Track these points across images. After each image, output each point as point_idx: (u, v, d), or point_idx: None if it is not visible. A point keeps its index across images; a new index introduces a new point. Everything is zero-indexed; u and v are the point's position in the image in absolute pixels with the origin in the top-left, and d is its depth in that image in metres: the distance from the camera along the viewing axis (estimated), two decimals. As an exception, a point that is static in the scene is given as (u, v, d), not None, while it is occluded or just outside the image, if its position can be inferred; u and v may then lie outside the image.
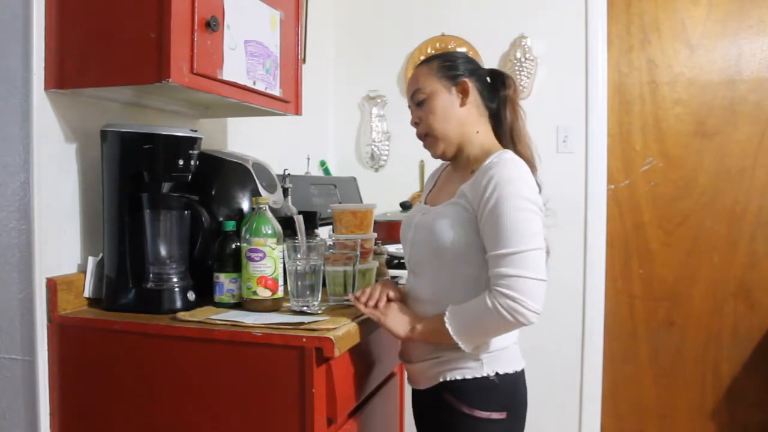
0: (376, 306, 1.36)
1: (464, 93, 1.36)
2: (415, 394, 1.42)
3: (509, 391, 1.31)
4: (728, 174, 2.62)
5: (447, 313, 1.25)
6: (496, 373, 1.29)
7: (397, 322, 1.33)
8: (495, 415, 1.28)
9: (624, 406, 2.76)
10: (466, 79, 1.37)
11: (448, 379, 1.30)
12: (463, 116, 1.37)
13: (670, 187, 2.68)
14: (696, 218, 2.66)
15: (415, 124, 1.41)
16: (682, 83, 2.66)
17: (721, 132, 2.62)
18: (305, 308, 1.38)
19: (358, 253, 1.52)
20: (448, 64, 1.38)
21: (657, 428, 2.73)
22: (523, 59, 2.70)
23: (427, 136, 1.39)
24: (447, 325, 1.24)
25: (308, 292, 1.39)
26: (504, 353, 1.31)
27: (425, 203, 1.45)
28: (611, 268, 2.73)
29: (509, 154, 1.31)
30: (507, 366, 1.31)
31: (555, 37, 2.71)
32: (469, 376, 1.29)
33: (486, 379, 1.29)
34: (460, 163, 1.41)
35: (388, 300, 1.38)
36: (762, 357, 2.60)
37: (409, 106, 1.43)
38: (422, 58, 2.80)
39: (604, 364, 2.70)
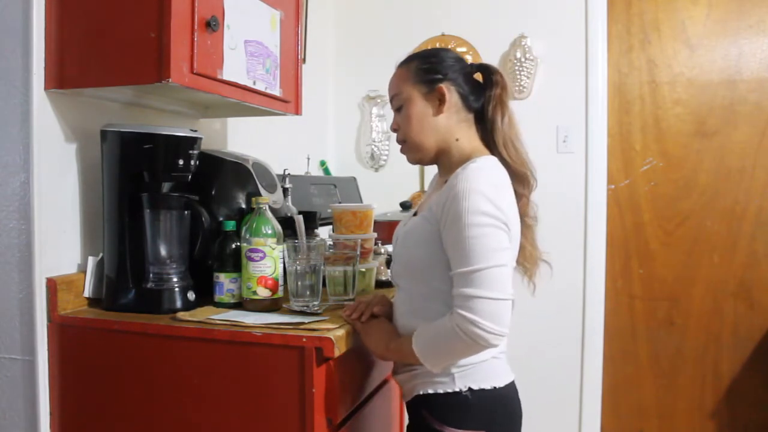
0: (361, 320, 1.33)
1: (441, 100, 1.28)
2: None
3: (486, 409, 1.22)
4: (728, 174, 2.62)
5: (415, 333, 1.20)
6: (470, 389, 1.21)
7: (374, 339, 1.30)
8: None
9: (624, 406, 2.76)
10: (443, 85, 1.28)
11: (421, 392, 1.25)
12: (440, 124, 1.28)
13: (670, 187, 2.68)
14: (696, 218, 2.66)
15: (394, 129, 1.36)
16: (682, 83, 2.66)
17: (721, 132, 2.62)
18: (305, 308, 1.38)
19: (358, 253, 1.52)
20: (425, 67, 1.30)
21: (657, 428, 2.73)
22: (523, 59, 2.70)
23: (404, 143, 1.34)
24: (413, 346, 1.19)
25: (308, 292, 1.40)
26: (479, 368, 1.22)
27: (415, 212, 1.40)
28: (611, 268, 2.73)
29: (479, 162, 1.22)
30: (483, 381, 1.22)
31: (555, 37, 2.71)
32: (440, 391, 1.22)
33: (458, 394, 1.21)
34: (442, 170, 1.35)
35: (373, 315, 1.34)
36: (762, 357, 2.60)
37: (392, 109, 1.37)
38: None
39: (604, 364, 2.70)
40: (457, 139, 1.29)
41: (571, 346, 2.68)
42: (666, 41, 2.66)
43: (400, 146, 1.37)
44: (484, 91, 1.32)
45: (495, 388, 1.23)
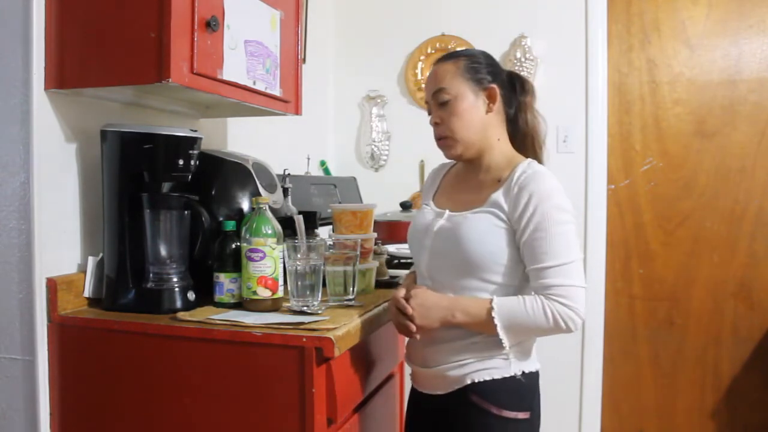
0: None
1: (492, 99, 1.33)
2: (429, 398, 1.38)
3: (533, 390, 1.32)
4: (728, 174, 2.62)
5: (494, 306, 1.23)
6: (523, 372, 1.30)
7: (433, 315, 1.27)
8: (521, 415, 1.28)
9: (624, 406, 2.76)
10: (494, 85, 1.33)
11: (475, 380, 1.28)
12: (488, 122, 1.34)
13: (670, 187, 2.68)
14: (696, 218, 2.66)
15: (435, 124, 1.36)
16: (682, 83, 2.66)
17: (721, 132, 2.62)
18: (305, 308, 1.38)
19: (358, 253, 1.51)
20: (475, 66, 1.34)
21: (657, 428, 2.73)
22: (523, 59, 2.70)
23: (447, 138, 1.35)
24: (495, 317, 1.23)
25: (308, 292, 1.39)
26: (530, 352, 1.33)
27: (436, 206, 1.41)
28: (611, 268, 2.73)
29: (538, 166, 1.31)
30: (531, 365, 1.32)
31: (555, 37, 2.71)
32: (497, 377, 1.28)
33: (513, 378, 1.29)
34: (478, 168, 1.37)
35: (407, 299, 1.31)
36: (762, 357, 2.60)
37: (428, 103, 1.38)
38: (422, 57, 2.83)
39: (604, 364, 2.71)
40: (498, 139, 1.36)
41: (571, 346, 2.68)
42: (666, 41, 2.66)
43: (440, 141, 1.38)
44: (516, 97, 1.39)
45: (537, 371, 1.34)
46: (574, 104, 2.68)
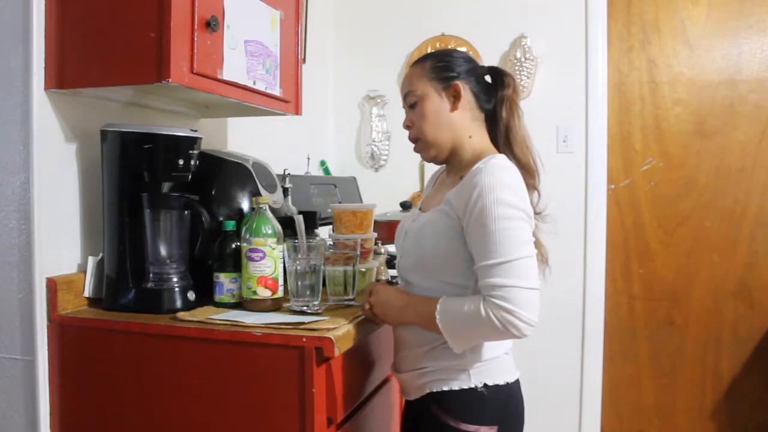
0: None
1: (456, 97, 1.31)
2: (407, 404, 1.41)
3: (500, 404, 1.25)
4: (728, 174, 2.62)
5: (439, 308, 1.20)
6: (485, 385, 1.24)
7: (389, 307, 1.31)
8: (483, 429, 1.23)
9: (624, 406, 2.76)
10: (459, 82, 1.31)
11: (434, 390, 1.26)
12: (455, 121, 1.32)
13: (670, 187, 2.68)
14: (696, 218, 2.66)
15: (407, 127, 1.37)
16: (682, 83, 2.66)
17: (721, 132, 2.62)
18: (305, 308, 1.38)
19: (358, 253, 1.51)
20: (441, 65, 1.32)
21: (657, 428, 2.73)
22: (523, 59, 2.70)
23: (418, 141, 1.35)
24: (437, 320, 1.19)
25: (308, 292, 1.39)
26: (494, 363, 1.26)
27: (420, 208, 1.43)
28: (611, 268, 2.73)
29: (497, 159, 1.25)
30: (497, 377, 1.26)
31: (555, 37, 2.71)
32: (455, 387, 1.24)
33: (474, 390, 1.24)
34: (452, 167, 1.37)
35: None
36: (762, 357, 2.60)
37: (403, 107, 1.38)
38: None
39: (604, 364, 2.71)
40: (470, 137, 1.33)
41: (571, 346, 2.68)
42: (666, 41, 2.66)
43: (413, 145, 1.38)
44: (495, 92, 1.35)
45: (507, 383, 1.27)
46: (574, 104, 2.68)
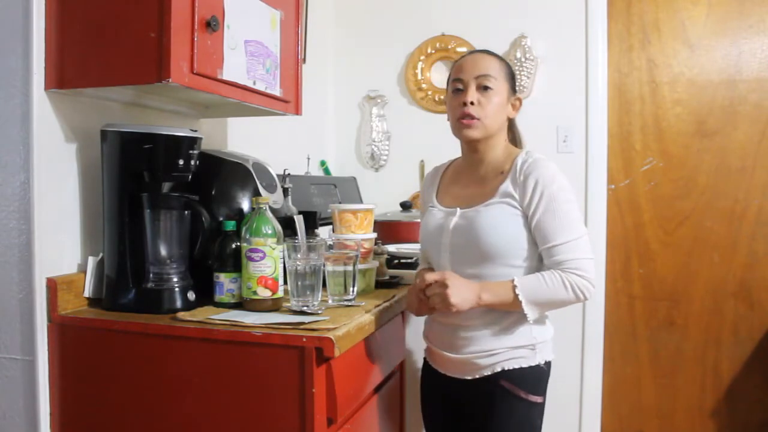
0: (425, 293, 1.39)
1: (515, 108, 1.50)
2: (451, 381, 1.47)
3: (548, 377, 1.47)
4: (728, 174, 2.62)
5: (517, 284, 1.33)
6: (545, 361, 1.44)
7: (462, 296, 1.33)
8: (539, 399, 1.43)
9: (624, 406, 2.76)
10: (520, 96, 1.51)
11: (506, 368, 1.40)
12: (505, 123, 1.48)
13: (670, 187, 2.68)
14: (696, 218, 2.66)
15: (470, 103, 1.42)
16: (682, 83, 2.65)
17: (721, 132, 2.62)
18: (305, 308, 1.38)
19: (358, 253, 1.52)
20: (512, 74, 1.50)
21: (657, 428, 2.73)
22: (523, 59, 2.70)
23: (475, 119, 1.42)
24: (519, 293, 1.33)
25: (308, 292, 1.40)
26: (549, 343, 1.47)
27: (442, 206, 1.49)
28: (611, 268, 2.73)
29: (537, 154, 1.43)
30: (550, 354, 1.47)
31: (555, 37, 2.70)
32: (525, 365, 1.41)
33: (538, 367, 1.42)
34: (479, 163, 1.47)
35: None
36: (762, 357, 2.60)
37: (465, 82, 1.43)
38: (422, 57, 2.83)
39: (604, 364, 2.70)
40: (506, 139, 1.51)
41: (571, 346, 2.68)
42: (666, 41, 2.66)
43: (465, 119, 1.43)
44: None
45: (552, 360, 1.48)
46: (574, 104, 2.68)
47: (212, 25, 1.34)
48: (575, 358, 2.69)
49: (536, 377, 1.43)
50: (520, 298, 1.33)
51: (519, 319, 1.38)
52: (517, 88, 1.51)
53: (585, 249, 1.37)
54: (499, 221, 1.37)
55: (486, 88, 1.42)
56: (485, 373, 1.42)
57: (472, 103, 1.42)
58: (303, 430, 1.22)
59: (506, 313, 1.39)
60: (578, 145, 2.69)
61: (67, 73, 1.34)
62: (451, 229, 1.43)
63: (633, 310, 2.75)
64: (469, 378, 1.44)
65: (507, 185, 1.39)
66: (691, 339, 2.68)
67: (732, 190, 2.62)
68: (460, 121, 1.43)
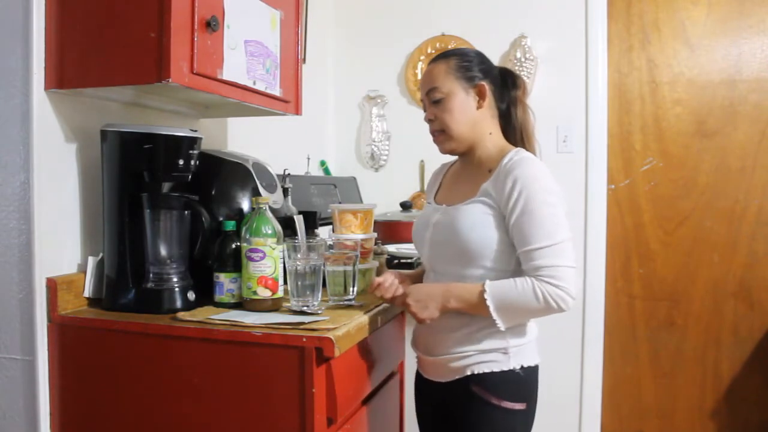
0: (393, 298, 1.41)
1: (481, 96, 1.40)
2: (432, 384, 1.45)
3: (530, 383, 1.37)
4: (728, 174, 2.62)
5: (486, 289, 1.28)
6: (521, 366, 1.35)
7: (429, 303, 1.33)
8: (517, 406, 1.34)
9: (624, 406, 2.76)
10: (483, 82, 1.40)
11: (475, 372, 1.34)
12: (479, 118, 1.40)
13: (670, 187, 2.68)
14: (696, 218, 2.66)
15: (429, 120, 1.43)
16: (682, 83, 2.65)
17: (721, 132, 2.62)
18: (305, 308, 1.38)
19: (358, 253, 1.52)
20: (465, 65, 1.40)
21: (657, 428, 2.73)
22: (523, 59, 2.70)
23: (441, 133, 1.42)
24: (488, 301, 1.27)
25: (308, 292, 1.40)
26: (528, 347, 1.37)
27: (437, 203, 1.48)
28: (611, 268, 2.73)
29: (526, 153, 1.36)
30: (530, 359, 1.37)
31: (555, 37, 2.71)
32: (496, 369, 1.33)
33: (512, 372, 1.34)
34: (471, 162, 1.44)
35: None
36: (762, 357, 2.60)
37: (422, 101, 1.45)
38: (422, 57, 2.83)
39: (604, 364, 2.70)
40: (490, 133, 1.42)
41: (571, 346, 2.68)
42: (666, 41, 2.66)
43: (434, 136, 1.44)
44: (507, 92, 1.45)
45: (536, 365, 1.39)
46: (574, 104, 2.68)
47: (212, 25, 1.34)
48: (575, 358, 2.69)
49: (508, 382, 1.34)
50: (488, 303, 1.27)
51: (491, 321, 1.30)
52: (477, 74, 1.40)
53: (564, 256, 1.26)
54: (475, 220, 1.32)
55: (436, 102, 1.40)
56: (456, 377, 1.37)
57: (431, 120, 1.42)
58: (303, 430, 1.22)
59: (478, 315, 1.33)
60: (578, 145, 2.69)
61: (67, 73, 1.34)
62: (432, 224, 1.42)
63: (633, 310, 2.75)
64: (444, 381, 1.40)
65: (488, 184, 1.34)
66: (691, 339, 2.68)
67: (732, 190, 2.62)
68: (433, 137, 1.44)
